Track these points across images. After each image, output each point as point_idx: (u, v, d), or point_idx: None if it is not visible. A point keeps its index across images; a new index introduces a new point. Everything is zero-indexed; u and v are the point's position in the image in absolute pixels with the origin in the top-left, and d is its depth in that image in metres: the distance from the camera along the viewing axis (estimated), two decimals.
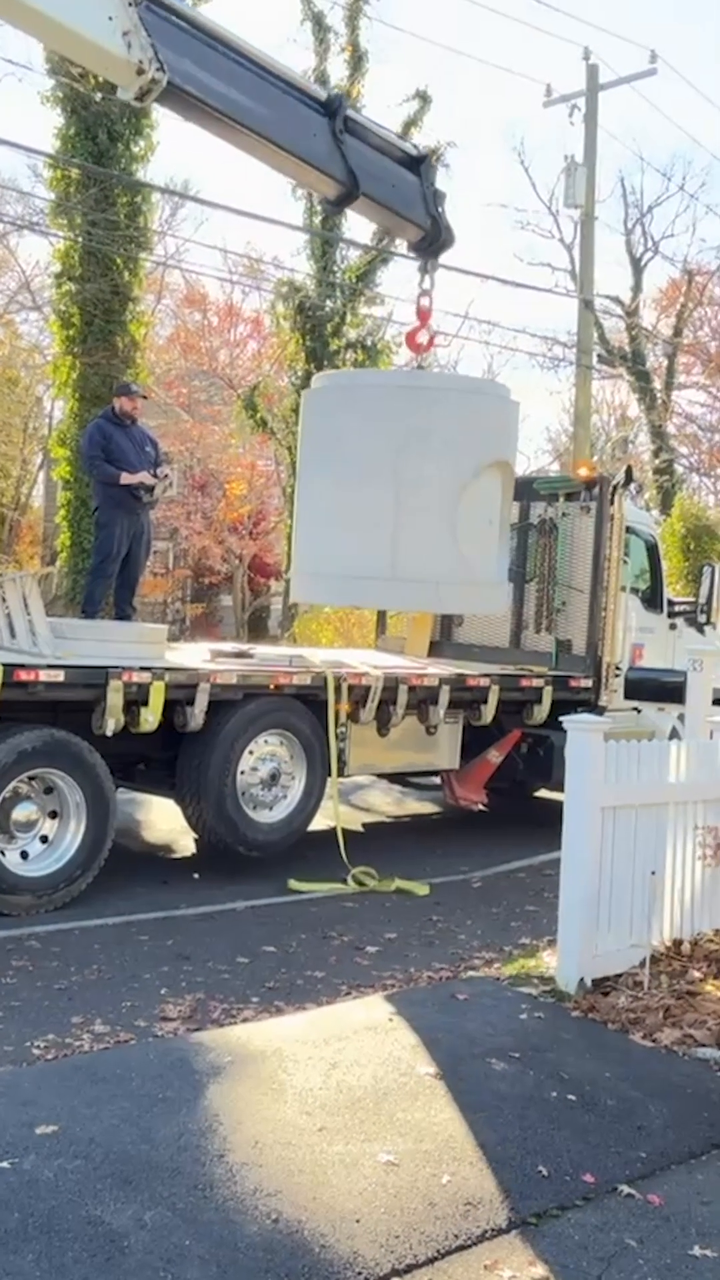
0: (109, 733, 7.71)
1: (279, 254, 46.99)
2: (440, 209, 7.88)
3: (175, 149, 44.91)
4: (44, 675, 7.37)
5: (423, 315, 7.83)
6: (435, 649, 11.76)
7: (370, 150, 7.58)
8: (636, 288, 37.80)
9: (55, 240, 20.01)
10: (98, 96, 18.41)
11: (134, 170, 19.25)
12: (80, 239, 18.96)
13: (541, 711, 10.25)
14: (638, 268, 37.88)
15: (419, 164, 7.86)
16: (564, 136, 62.28)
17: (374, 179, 7.54)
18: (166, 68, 6.30)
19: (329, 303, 22.98)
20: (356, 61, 22.97)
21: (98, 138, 18.53)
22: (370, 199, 7.59)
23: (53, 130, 18.92)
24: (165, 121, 19.30)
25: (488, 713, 9.95)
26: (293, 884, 8.35)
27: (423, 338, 7.90)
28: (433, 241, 7.90)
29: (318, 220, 23.10)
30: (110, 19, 6.16)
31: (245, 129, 6.92)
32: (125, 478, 10.11)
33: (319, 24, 22.72)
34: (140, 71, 6.25)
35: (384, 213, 8.00)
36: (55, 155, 18.75)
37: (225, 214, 38.45)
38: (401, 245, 22.38)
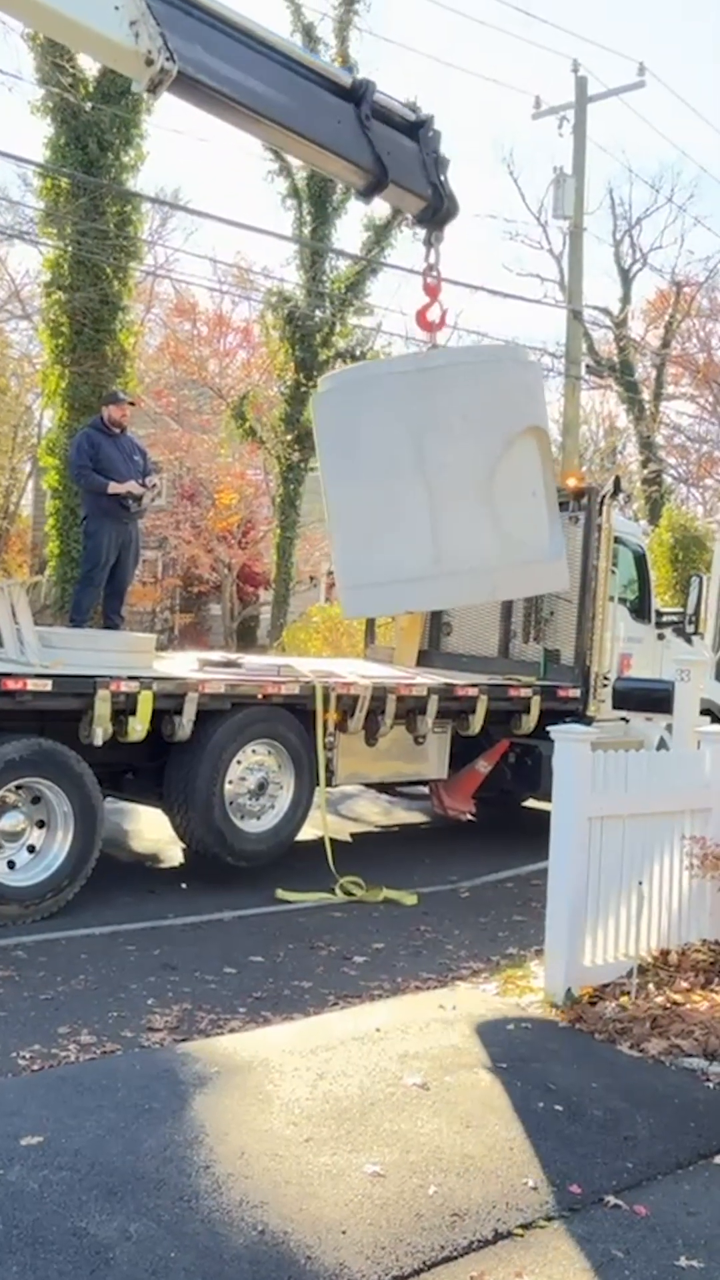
0: (97, 742, 7.69)
1: (268, 264, 47.19)
2: (443, 177, 7.40)
3: (165, 159, 44.96)
4: (32, 684, 7.35)
5: (431, 291, 7.39)
6: (424, 658, 11.77)
7: (378, 124, 7.14)
8: (625, 299, 37.98)
9: (45, 249, 20.04)
10: (88, 106, 18.46)
11: (124, 180, 19.28)
12: (70, 248, 18.97)
13: (530, 721, 10.25)
14: (626, 279, 38.07)
15: (417, 129, 7.38)
16: (553, 148, 62.68)
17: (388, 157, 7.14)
18: (177, 57, 6.05)
19: (318, 312, 23.05)
20: (347, 70, 23.00)
21: (88, 147, 18.56)
22: (397, 185, 7.23)
23: (43, 139, 18.96)
24: (156, 131, 19.40)
25: (476, 722, 9.95)
26: (280, 894, 8.33)
27: (434, 315, 7.42)
28: (436, 212, 7.43)
29: (307, 231, 23.16)
30: (116, 9, 5.94)
31: (263, 118, 6.63)
32: (113, 487, 10.10)
33: (309, 35, 22.78)
34: (149, 62, 6.01)
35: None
36: (45, 164, 18.76)
37: (215, 224, 38.53)
38: (391, 256, 22.34)
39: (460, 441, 6.76)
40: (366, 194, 7.39)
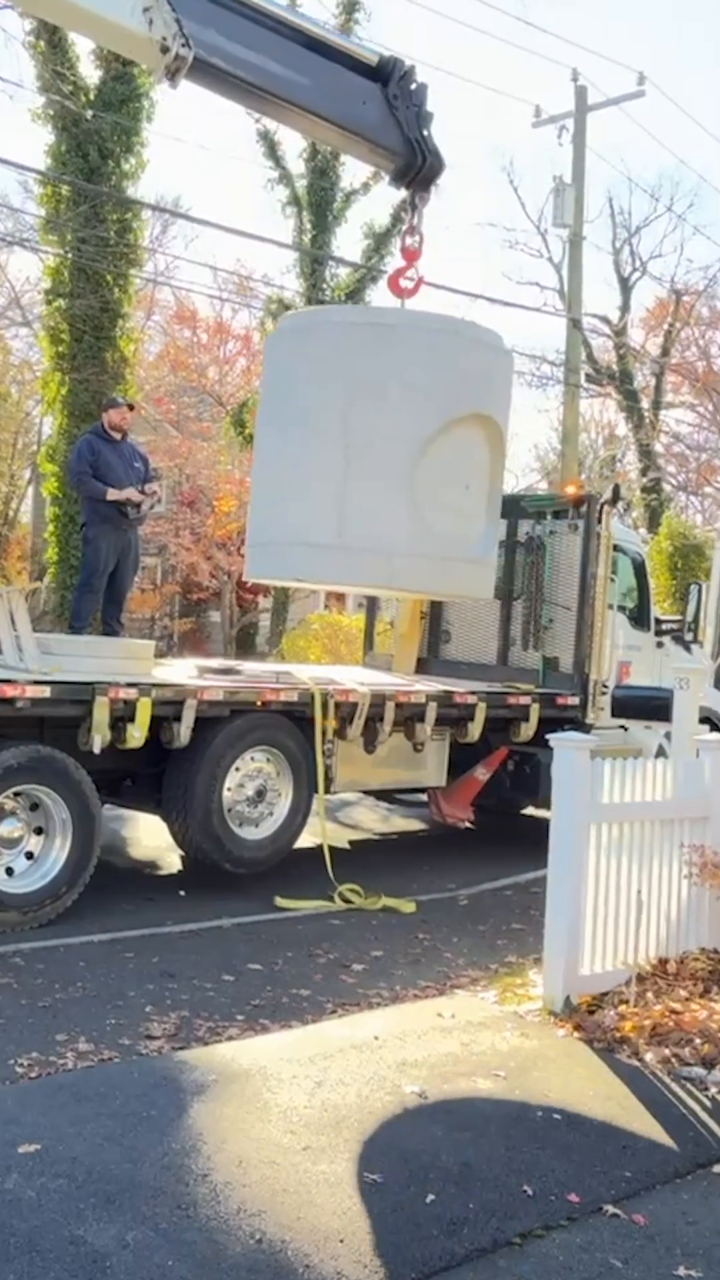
0: (96, 749, 7.68)
1: (269, 271, 47.24)
2: (425, 132, 6.89)
3: (166, 166, 45.06)
4: (30, 691, 7.35)
5: (409, 255, 6.92)
6: (422, 666, 11.77)
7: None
8: (625, 307, 38.09)
9: (45, 256, 20.04)
10: (89, 114, 18.49)
11: (124, 187, 19.32)
12: (71, 255, 19.00)
13: (528, 729, 10.25)
14: (626, 287, 38.16)
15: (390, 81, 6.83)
16: (553, 157, 62.73)
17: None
18: (193, 42, 5.92)
19: None
20: None
21: (88, 155, 18.59)
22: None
23: (44, 147, 19.00)
24: (156, 139, 19.42)
25: (475, 730, 9.95)
26: (279, 901, 8.32)
27: (408, 281, 6.96)
28: (417, 170, 6.91)
29: (307, 238, 23.21)
30: None
31: (283, 101, 6.44)
32: (112, 494, 10.11)
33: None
34: (164, 49, 5.90)
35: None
36: (46, 172, 18.79)
37: (216, 231, 38.59)
38: (391, 264, 22.44)
39: (393, 410, 6.22)
40: (398, 179, 7.00)
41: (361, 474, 6.22)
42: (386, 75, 6.69)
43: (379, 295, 23.08)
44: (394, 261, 23.68)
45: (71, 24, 6.92)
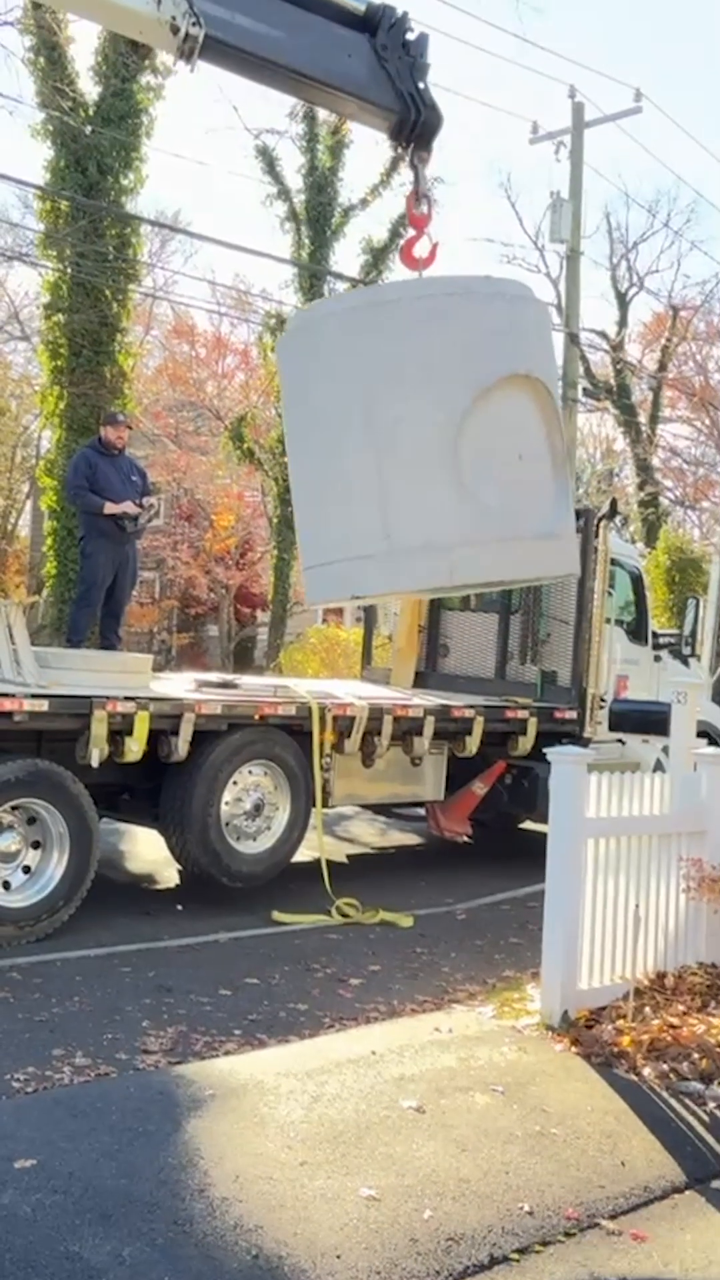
0: (93, 763, 7.67)
1: (267, 286, 47.37)
2: (420, 85, 6.33)
3: (165, 182, 45.31)
4: (28, 705, 7.35)
5: (418, 222, 6.32)
6: (420, 680, 11.77)
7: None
8: (622, 322, 38.23)
9: (44, 271, 20.09)
10: (88, 130, 18.56)
11: (123, 203, 19.37)
12: (69, 270, 19.05)
13: (526, 743, 10.25)
14: (623, 302, 38.31)
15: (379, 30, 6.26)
16: (550, 172, 62.95)
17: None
18: (203, 20, 5.64)
19: None
20: None
21: (88, 170, 18.65)
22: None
23: (43, 163, 19.03)
24: (155, 155, 19.49)
25: (472, 744, 9.95)
26: (276, 915, 8.31)
27: (421, 250, 6.35)
28: (412, 126, 6.33)
29: (305, 254, 23.30)
30: None
31: (264, 60, 6.02)
32: (109, 508, 10.12)
33: None
34: (175, 29, 5.65)
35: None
36: (45, 187, 18.85)
37: (214, 246, 38.75)
38: (389, 278, 22.48)
39: (417, 393, 5.63)
40: (394, 137, 6.41)
41: (398, 468, 5.63)
42: (376, 23, 6.12)
43: None
44: (392, 276, 23.88)
45: (80, 8, 6.75)
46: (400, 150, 6.52)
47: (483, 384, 5.56)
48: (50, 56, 18.43)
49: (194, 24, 5.66)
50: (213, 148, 42.42)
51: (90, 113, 18.77)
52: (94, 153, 18.63)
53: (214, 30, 5.76)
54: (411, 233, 6.37)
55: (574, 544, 6.35)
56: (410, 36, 6.33)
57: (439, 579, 5.95)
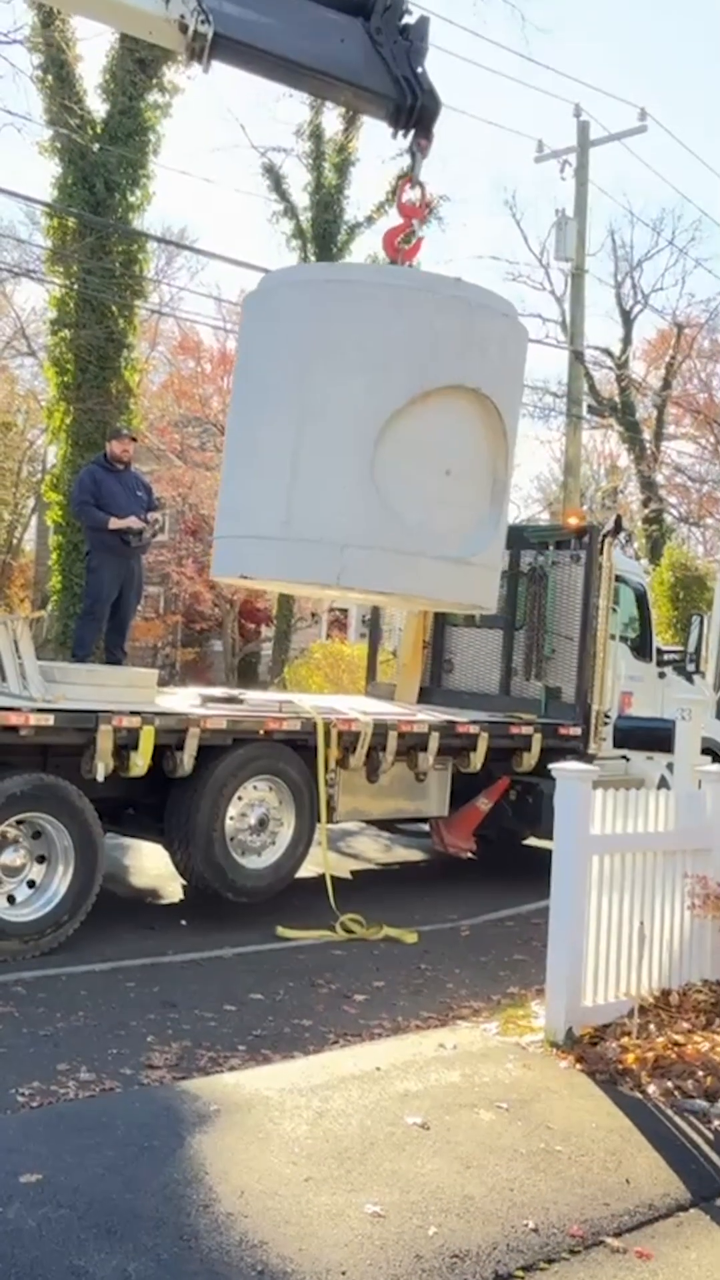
0: (99, 777, 7.69)
1: None
2: (417, 70, 6.16)
3: (172, 199, 45.50)
4: (34, 719, 7.36)
5: (408, 212, 6.07)
6: (425, 695, 11.78)
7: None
8: (626, 340, 38.33)
9: (51, 287, 20.21)
10: (95, 147, 18.67)
11: (130, 219, 19.49)
12: (76, 286, 19.15)
13: (531, 759, 10.25)
14: (628, 320, 38.42)
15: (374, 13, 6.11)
16: (555, 191, 63.25)
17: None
18: (212, 18, 5.58)
19: None
20: (351, 116, 23.35)
21: (95, 187, 18.76)
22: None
23: (50, 179, 19.19)
24: (162, 172, 19.58)
25: (477, 760, 9.95)
26: (281, 931, 8.31)
27: (406, 242, 6.10)
28: (409, 111, 6.16)
29: None
30: None
31: (281, 59, 5.96)
32: (114, 523, 10.16)
33: None
34: (184, 28, 5.64)
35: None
36: (53, 204, 18.97)
37: (220, 262, 38.87)
38: None
39: (351, 376, 5.32)
40: (392, 124, 6.25)
41: (312, 450, 5.34)
42: (369, 9, 6.00)
43: None
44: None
45: (90, 10, 6.71)
46: (401, 137, 6.34)
47: (424, 386, 5.30)
48: (59, 74, 18.57)
49: (203, 21, 5.65)
50: (219, 165, 42.70)
51: (98, 130, 18.90)
52: (101, 170, 18.76)
53: (222, 26, 5.71)
54: (399, 221, 6.17)
55: (492, 578, 6.07)
56: (409, 20, 6.21)
57: (325, 576, 5.57)
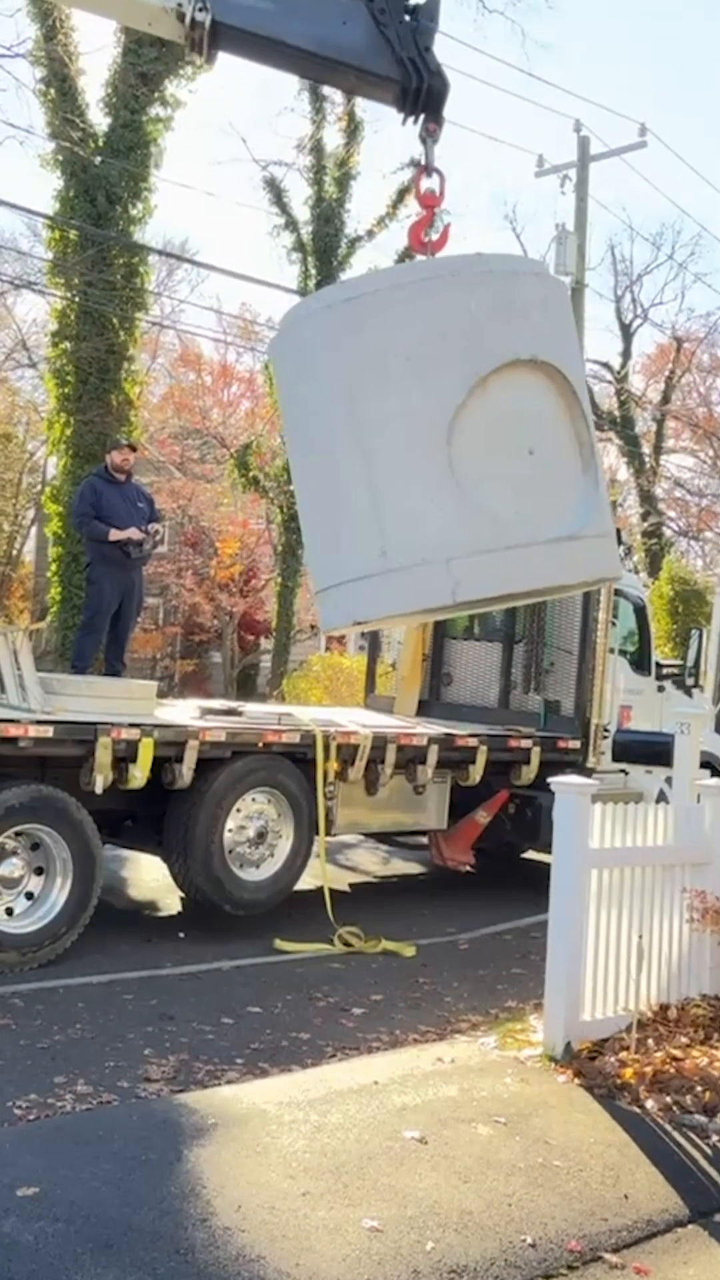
0: (97, 789, 7.68)
1: (273, 315, 47.37)
2: (424, 50, 5.87)
3: (174, 211, 45.67)
4: (33, 731, 7.37)
5: (428, 202, 5.81)
6: (424, 708, 11.78)
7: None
8: (626, 354, 38.47)
9: (52, 299, 20.26)
10: (97, 160, 18.74)
11: (131, 232, 19.55)
12: (77, 299, 19.20)
13: (529, 772, 10.24)
14: (627, 334, 38.56)
15: None
16: (555, 205, 63.34)
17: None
18: (208, 4, 5.45)
19: None
20: (352, 130, 23.50)
21: (96, 200, 18.82)
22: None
23: (52, 192, 19.24)
24: (163, 185, 19.65)
25: (476, 773, 9.95)
26: (279, 944, 8.29)
27: (432, 233, 5.78)
28: (416, 94, 5.86)
29: (312, 284, 23.42)
30: None
31: (282, 44, 5.72)
32: (114, 534, 10.16)
33: (315, 93, 23.18)
34: (181, 16, 5.48)
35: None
36: (54, 217, 19.03)
37: (221, 275, 39.00)
38: None
39: (402, 388, 5.01)
40: (399, 108, 5.96)
41: (388, 473, 5.03)
42: None
43: None
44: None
45: (89, 4, 6.63)
46: (411, 124, 6.00)
47: (477, 373, 4.96)
48: (61, 88, 18.65)
49: (200, 9, 5.50)
50: (221, 179, 42.87)
51: (100, 143, 18.97)
52: (103, 183, 18.82)
53: (220, 13, 5.57)
54: (422, 213, 5.83)
55: (609, 544, 5.51)
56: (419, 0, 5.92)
57: (440, 597, 5.15)
